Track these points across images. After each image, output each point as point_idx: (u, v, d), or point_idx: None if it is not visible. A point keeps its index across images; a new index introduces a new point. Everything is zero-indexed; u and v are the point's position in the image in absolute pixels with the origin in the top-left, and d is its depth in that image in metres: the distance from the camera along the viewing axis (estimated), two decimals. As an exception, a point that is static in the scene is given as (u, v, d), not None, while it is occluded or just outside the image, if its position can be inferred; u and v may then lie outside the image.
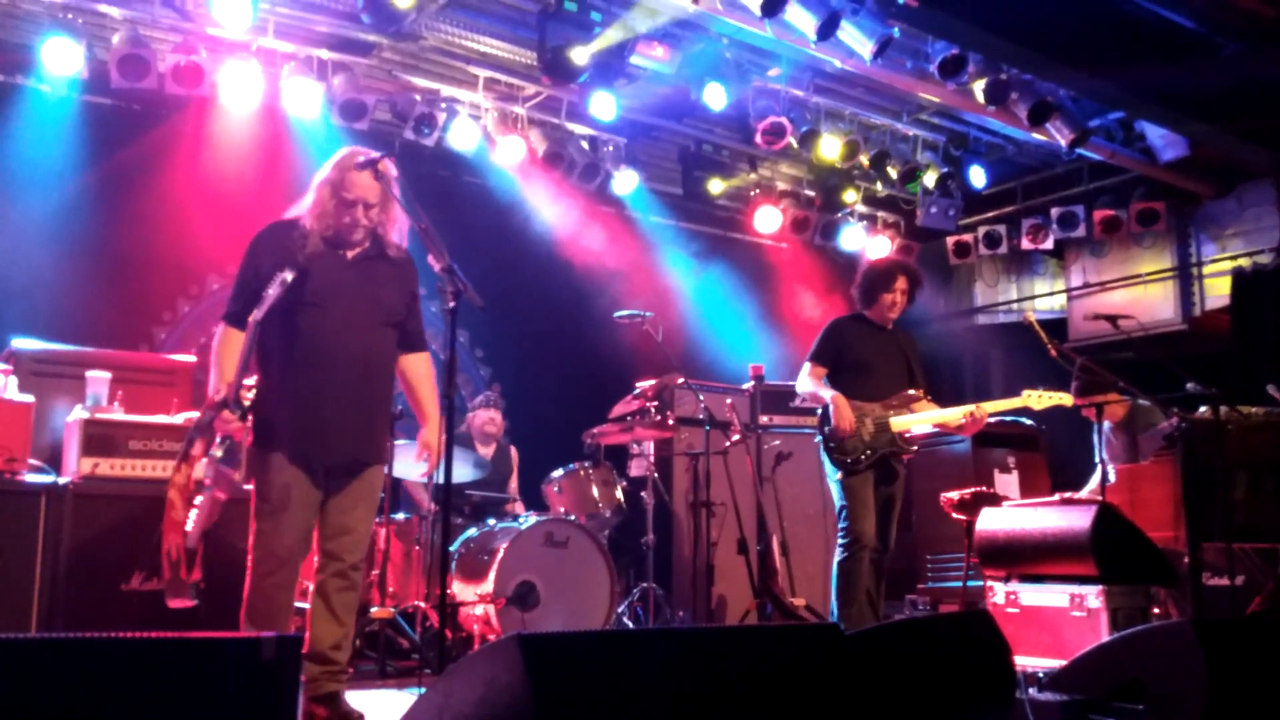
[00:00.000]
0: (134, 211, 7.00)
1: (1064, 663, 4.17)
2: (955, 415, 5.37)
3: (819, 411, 5.52)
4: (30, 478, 4.37)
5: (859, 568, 5.28)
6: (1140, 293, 9.36)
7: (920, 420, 5.42)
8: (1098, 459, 5.92)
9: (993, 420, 7.82)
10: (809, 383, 5.55)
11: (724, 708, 2.19)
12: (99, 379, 4.65)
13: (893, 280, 5.57)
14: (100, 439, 4.47)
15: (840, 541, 5.36)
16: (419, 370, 3.97)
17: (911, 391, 5.50)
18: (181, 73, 6.46)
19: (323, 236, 3.68)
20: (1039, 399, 5.39)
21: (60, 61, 6.24)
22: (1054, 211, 9.13)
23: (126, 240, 6.99)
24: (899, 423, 5.39)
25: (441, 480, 3.45)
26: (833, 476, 5.42)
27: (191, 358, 5.36)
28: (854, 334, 5.62)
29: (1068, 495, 5.85)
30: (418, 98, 7.33)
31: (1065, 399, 5.44)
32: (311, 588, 3.72)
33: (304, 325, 3.63)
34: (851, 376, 5.47)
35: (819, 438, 5.52)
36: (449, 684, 2.20)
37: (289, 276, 3.52)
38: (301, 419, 3.60)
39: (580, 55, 6.71)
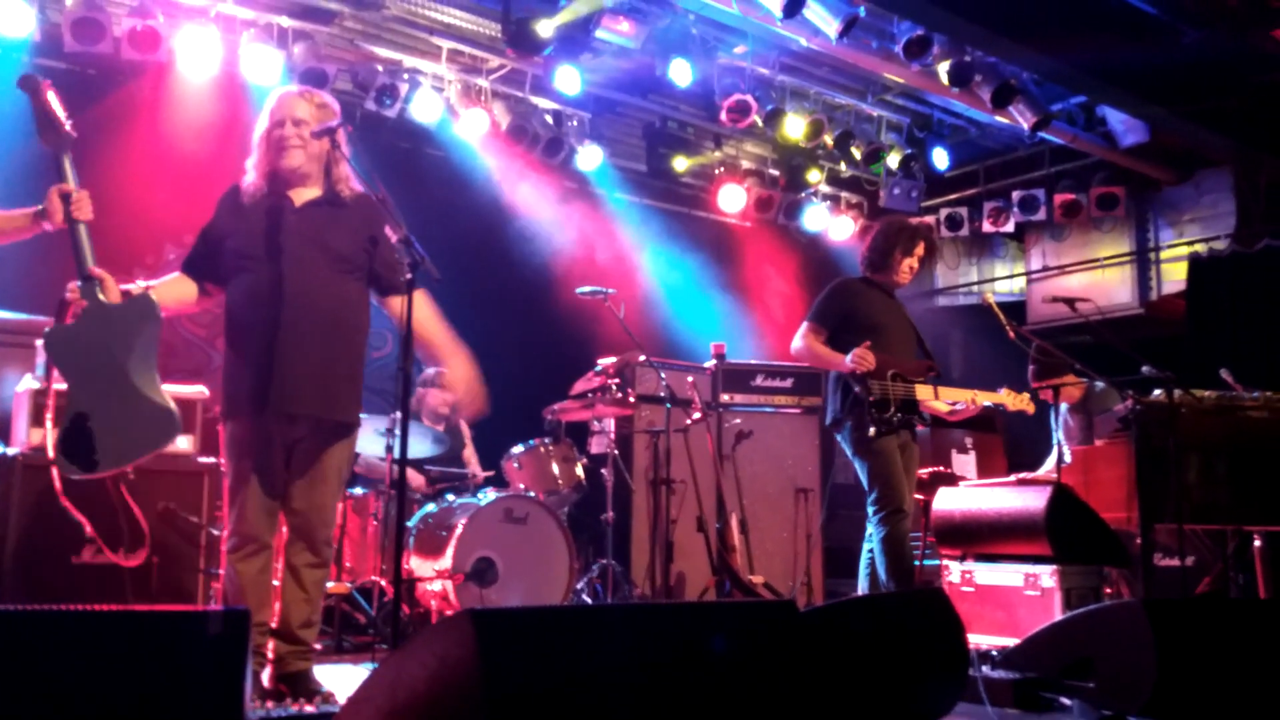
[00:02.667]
0: (87, 179, 6.68)
1: (1018, 641, 4.22)
2: (960, 397, 5.17)
3: (834, 384, 5.11)
4: (-22, 448, 4.29)
5: (905, 537, 4.90)
6: (1098, 276, 9.45)
7: (931, 394, 5.09)
8: (1054, 441, 5.98)
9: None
10: (810, 346, 5.08)
11: (678, 684, 2.19)
12: (50, 349, 4.55)
13: (916, 243, 5.19)
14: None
15: (879, 515, 4.91)
16: (419, 311, 3.52)
17: (928, 363, 5.20)
18: (138, 37, 6.34)
19: (265, 179, 3.61)
20: (1013, 400, 5.39)
21: (11, 23, 6.09)
22: (1015, 195, 9.20)
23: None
24: (922, 391, 5.07)
25: (398, 454, 3.39)
26: (859, 447, 4.98)
27: (145, 328, 5.26)
28: (864, 295, 5.22)
29: (1024, 476, 5.92)
30: (380, 68, 7.24)
31: (1029, 407, 5.43)
32: (281, 564, 3.65)
33: (252, 281, 3.54)
34: (862, 339, 4.97)
35: (832, 410, 5.10)
36: (402, 660, 2.18)
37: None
38: (259, 380, 3.49)
39: (545, 28, 6.65)
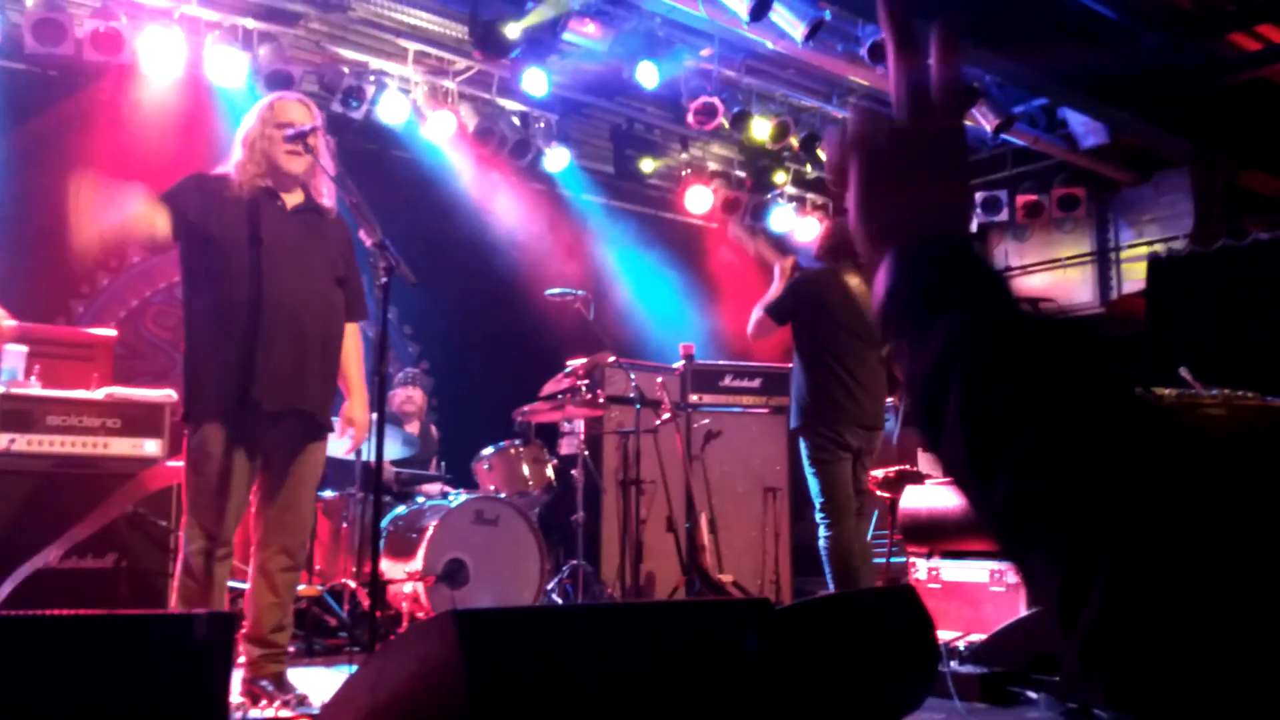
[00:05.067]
0: (51, 181, 6.75)
1: (984, 636, 4.29)
2: None
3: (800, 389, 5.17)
4: (-57, 454, 4.24)
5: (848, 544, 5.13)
6: (1060, 276, 9.59)
7: None
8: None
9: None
10: None
11: (658, 681, 2.22)
12: (15, 352, 4.52)
13: None
14: (17, 414, 4.35)
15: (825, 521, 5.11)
16: (348, 341, 3.82)
17: None
18: (100, 39, 6.30)
19: (258, 183, 3.55)
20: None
21: (-28, 24, 6.05)
22: (977, 196, 9.30)
23: (43, 211, 6.75)
24: None
25: (370, 458, 3.41)
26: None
27: (112, 332, 5.24)
28: None
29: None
30: (346, 70, 7.22)
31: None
32: (251, 567, 3.63)
33: (244, 280, 3.46)
34: None
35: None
36: (382, 661, 2.19)
37: None
38: (248, 379, 3.44)
39: (512, 30, 6.66)
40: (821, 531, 5.06)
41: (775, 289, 5.23)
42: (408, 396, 6.77)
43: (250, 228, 3.52)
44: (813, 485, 5.07)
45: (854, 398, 5.00)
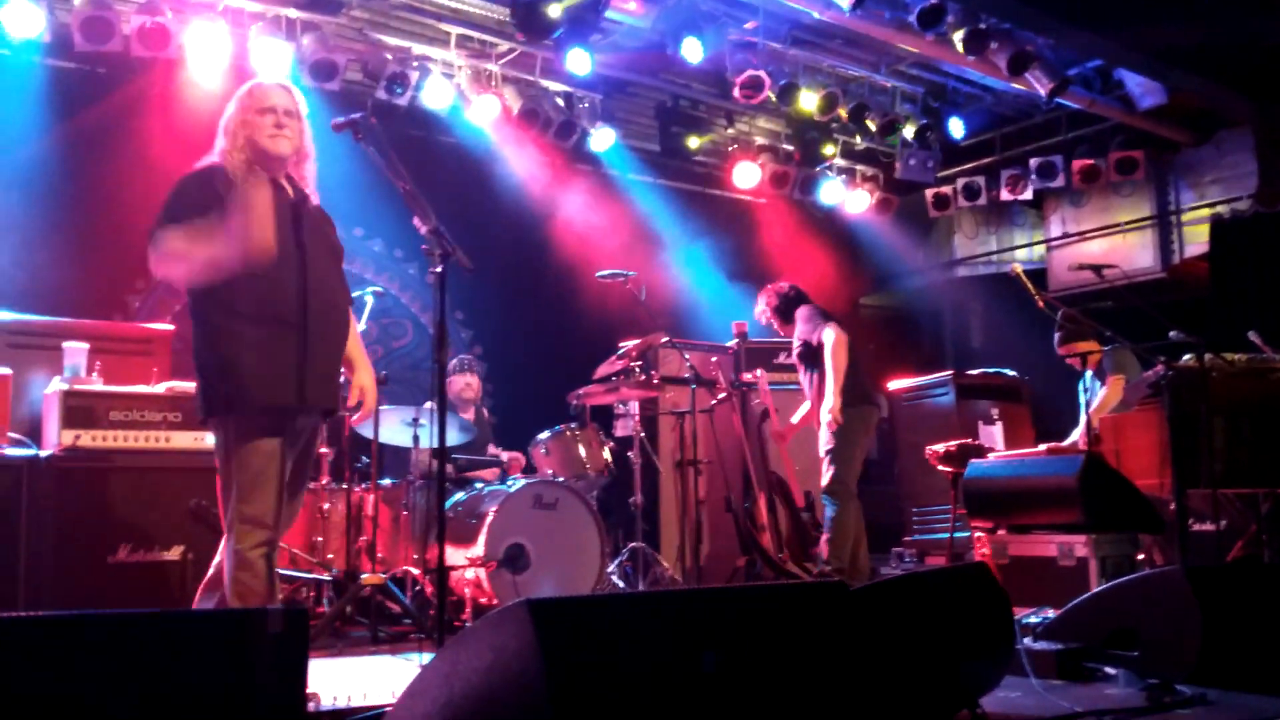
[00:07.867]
0: (101, 176, 6.85)
1: (1053, 611, 4.20)
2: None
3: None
4: (10, 451, 4.29)
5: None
6: (1119, 241, 9.38)
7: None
8: (1082, 409, 5.94)
9: (976, 374, 7.88)
10: None
11: (737, 666, 2.18)
12: (77, 349, 4.56)
13: None
14: (80, 410, 4.38)
15: None
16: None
17: None
18: (147, 34, 6.33)
19: (249, 170, 3.43)
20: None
21: (21, 24, 6.10)
22: (1033, 162, 9.12)
23: (95, 206, 6.84)
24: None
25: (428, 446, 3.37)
26: None
27: (170, 326, 5.27)
28: None
29: (1053, 445, 5.88)
30: (389, 56, 7.20)
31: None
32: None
33: (275, 272, 3.36)
34: None
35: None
36: (456, 652, 2.17)
37: None
38: (303, 372, 3.37)
39: (554, 10, 6.59)
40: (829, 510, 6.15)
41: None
42: (466, 383, 6.67)
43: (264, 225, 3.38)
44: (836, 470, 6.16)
45: None
